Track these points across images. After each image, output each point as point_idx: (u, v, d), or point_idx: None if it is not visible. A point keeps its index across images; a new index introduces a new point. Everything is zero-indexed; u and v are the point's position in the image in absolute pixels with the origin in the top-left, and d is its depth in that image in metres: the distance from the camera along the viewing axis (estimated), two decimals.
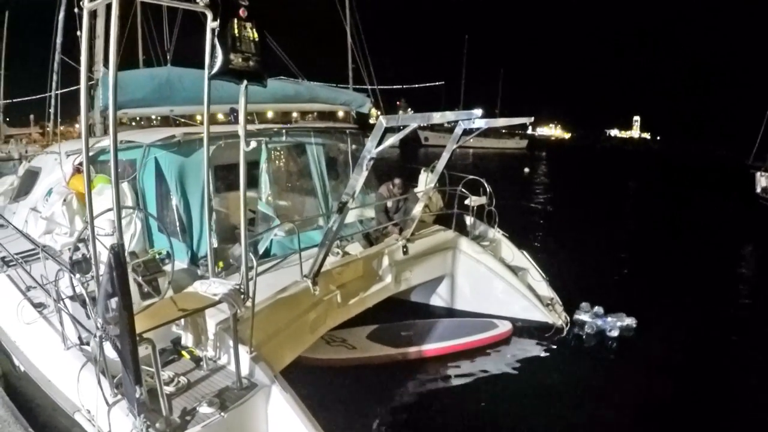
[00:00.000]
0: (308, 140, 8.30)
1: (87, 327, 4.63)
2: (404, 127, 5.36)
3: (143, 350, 3.93)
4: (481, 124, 7.49)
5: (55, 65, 9.23)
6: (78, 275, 4.62)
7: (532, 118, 7.28)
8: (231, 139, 6.17)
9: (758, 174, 24.27)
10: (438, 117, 5.05)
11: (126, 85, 7.52)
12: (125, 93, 7.45)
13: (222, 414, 4.33)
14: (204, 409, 4.39)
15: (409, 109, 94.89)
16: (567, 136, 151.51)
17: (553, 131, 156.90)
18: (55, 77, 9.25)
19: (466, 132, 7.76)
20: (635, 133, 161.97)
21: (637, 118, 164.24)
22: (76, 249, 4.76)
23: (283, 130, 7.92)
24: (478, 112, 5.12)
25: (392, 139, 5.49)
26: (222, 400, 4.49)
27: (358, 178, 5.54)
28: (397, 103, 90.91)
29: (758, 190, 23.83)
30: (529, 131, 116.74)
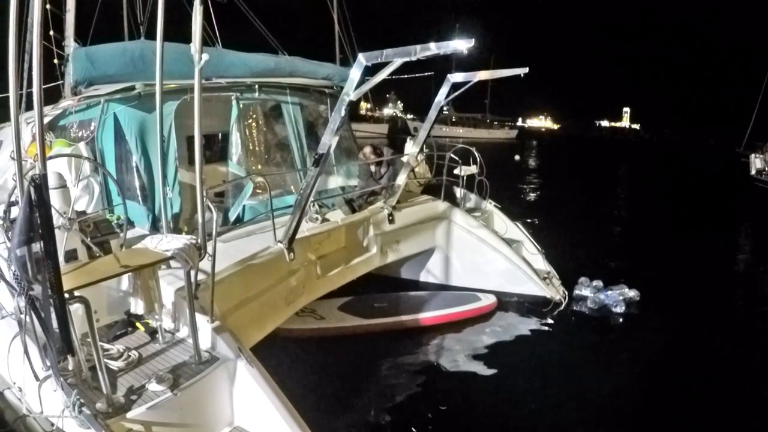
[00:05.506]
0: (284, 98, 7.71)
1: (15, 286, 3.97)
2: (387, 64, 4.76)
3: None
4: (471, 77, 7.05)
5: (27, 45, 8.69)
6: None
7: (527, 69, 6.71)
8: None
9: (753, 156, 24.27)
10: (419, 49, 4.49)
11: (97, 60, 7.12)
12: (97, 68, 7.05)
13: (174, 392, 3.75)
14: (153, 386, 3.80)
15: (399, 102, 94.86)
16: (556, 127, 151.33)
17: (543, 123, 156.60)
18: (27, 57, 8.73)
19: (454, 87, 7.20)
20: (625, 124, 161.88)
21: (626, 109, 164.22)
22: (11, 205, 4.12)
23: (257, 86, 7.35)
24: (469, 42, 4.39)
25: (375, 80, 4.92)
26: (176, 376, 3.93)
27: (336, 123, 4.89)
28: (387, 96, 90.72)
29: (753, 172, 23.76)
30: (519, 123, 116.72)
